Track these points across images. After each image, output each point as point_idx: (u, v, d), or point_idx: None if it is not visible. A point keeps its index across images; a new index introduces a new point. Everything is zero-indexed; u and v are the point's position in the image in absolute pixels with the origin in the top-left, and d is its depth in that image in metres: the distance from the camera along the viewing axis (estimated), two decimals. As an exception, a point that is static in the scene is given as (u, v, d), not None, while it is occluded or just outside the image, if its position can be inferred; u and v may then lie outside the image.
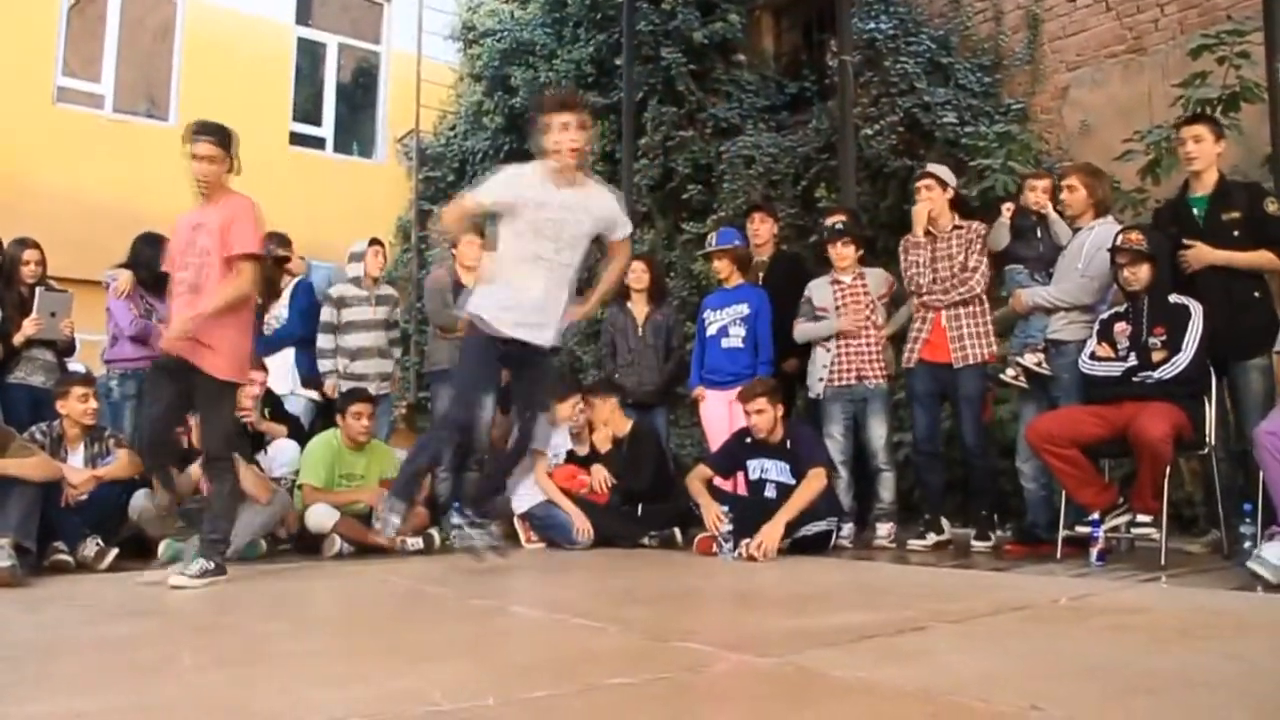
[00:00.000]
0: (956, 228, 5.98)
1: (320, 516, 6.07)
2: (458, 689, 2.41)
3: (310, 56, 13.54)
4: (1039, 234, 5.82)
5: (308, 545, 6.14)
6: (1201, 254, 5.09)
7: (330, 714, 2.23)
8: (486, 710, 2.23)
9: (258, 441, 6.51)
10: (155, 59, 12.30)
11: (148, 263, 6.82)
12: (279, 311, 7.34)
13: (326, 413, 7.18)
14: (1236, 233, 5.06)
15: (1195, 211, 5.23)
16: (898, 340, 6.27)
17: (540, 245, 4.84)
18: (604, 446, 6.79)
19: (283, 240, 7.71)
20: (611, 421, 6.76)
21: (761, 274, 6.88)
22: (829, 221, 6.66)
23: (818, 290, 6.39)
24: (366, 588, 4.90)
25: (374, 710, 2.25)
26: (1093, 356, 5.15)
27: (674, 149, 10.11)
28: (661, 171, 10.23)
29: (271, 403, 6.92)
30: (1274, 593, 3.86)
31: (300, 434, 6.88)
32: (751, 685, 2.57)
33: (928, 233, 6.02)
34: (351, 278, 7.42)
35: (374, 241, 7.51)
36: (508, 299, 4.81)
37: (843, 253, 6.30)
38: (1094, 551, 4.88)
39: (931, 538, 5.86)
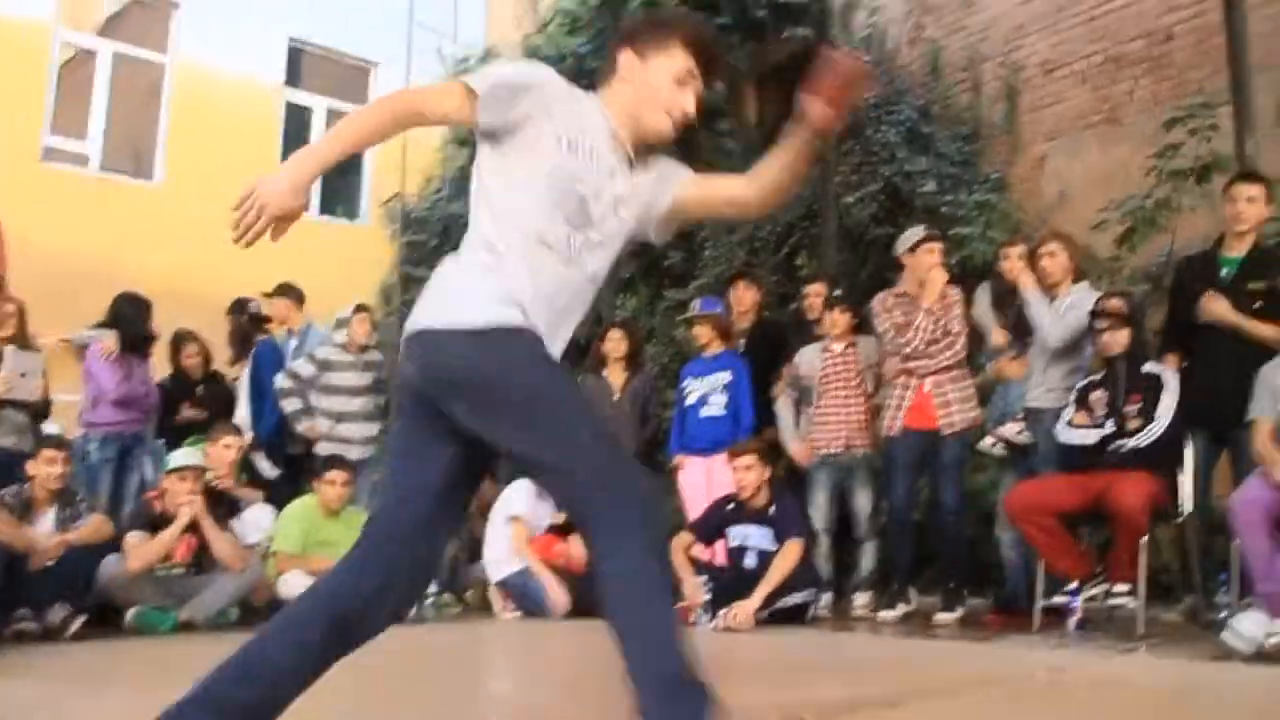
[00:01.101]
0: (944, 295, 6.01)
1: (294, 585, 5.97)
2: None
3: (298, 119, 13.60)
4: (1014, 303, 5.85)
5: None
6: (1218, 309, 5.05)
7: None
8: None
9: (232, 507, 6.44)
10: (142, 119, 12.35)
11: (130, 323, 6.80)
12: (243, 372, 7.30)
13: (292, 475, 7.14)
14: (1259, 303, 5.02)
15: (1224, 271, 5.19)
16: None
17: (555, 223, 2.32)
18: None
19: (286, 289, 7.69)
20: None
21: (743, 341, 6.89)
22: (809, 290, 6.70)
23: (806, 357, 6.39)
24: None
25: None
26: (1070, 424, 5.16)
27: (657, 215, 10.15)
28: (644, 238, 10.26)
29: (247, 467, 6.86)
30: (1251, 664, 3.84)
31: (277, 499, 6.82)
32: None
33: (903, 294, 6.05)
34: (338, 343, 7.38)
35: (360, 308, 7.46)
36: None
37: (837, 319, 6.31)
38: (1072, 621, 4.87)
39: (900, 608, 5.82)
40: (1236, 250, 5.20)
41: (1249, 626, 3.97)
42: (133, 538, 5.74)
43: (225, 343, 7.68)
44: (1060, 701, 3.29)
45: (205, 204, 11.65)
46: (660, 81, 2.51)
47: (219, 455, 6.44)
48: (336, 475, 6.37)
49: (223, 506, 6.21)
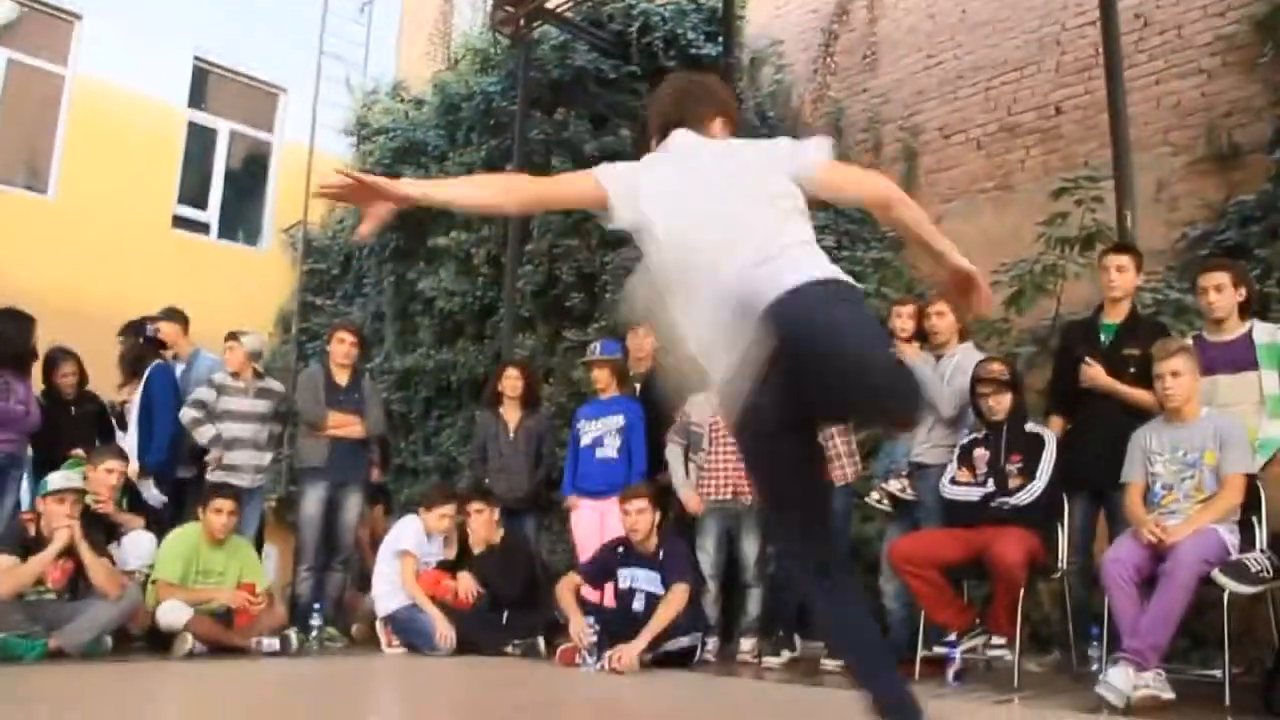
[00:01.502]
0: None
1: (172, 613, 5.83)
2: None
3: (200, 141, 13.39)
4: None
5: (158, 643, 5.89)
6: (1097, 376, 5.26)
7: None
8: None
9: (111, 532, 6.28)
10: (38, 131, 12.05)
11: (9, 341, 6.60)
12: (134, 395, 7.12)
13: (178, 503, 7.00)
14: (1134, 369, 5.22)
15: (1103, 337, 5.42)
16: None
17: None
18: (476, 549, 6.69)
19: (173, 314, 7.54)
20: (487, 529, 6.68)
21: (638, 386, 6.95)
22: None
23: (697, 405, 6.46)
24: (218, 691, 4.74)
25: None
26: (953, 481, 5.32)
27: (559, 256, 10.20)
28: (545, 278, 10.29)
29: (129, 493, 6.69)
30: (1120, 716, 3.99)
31: (158, 526, 6.65)
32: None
33: None
34: (231, 370, 7.24)
35: (230, 335, 7.32)
36: None
37: (723, 372, 6.38)
38: (951, 671, 4.96)
39: (785, 654, 5.88)
40: (1113, 317, 5.45)
41: (1120, 679, 4.12)
42: (3, 561, 5.56)
43: (115, 364, 7.46)
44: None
45: (101, 221, 11.50)
46: None
47: (100, 479, 6.28)
48: (223, 504, 6.25)
49: (101, 532, 6.06)
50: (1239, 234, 6.87)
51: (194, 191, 13.21)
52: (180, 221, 12.92)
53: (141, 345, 7.28)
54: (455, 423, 11.06)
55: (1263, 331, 4.99)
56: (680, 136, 2.90)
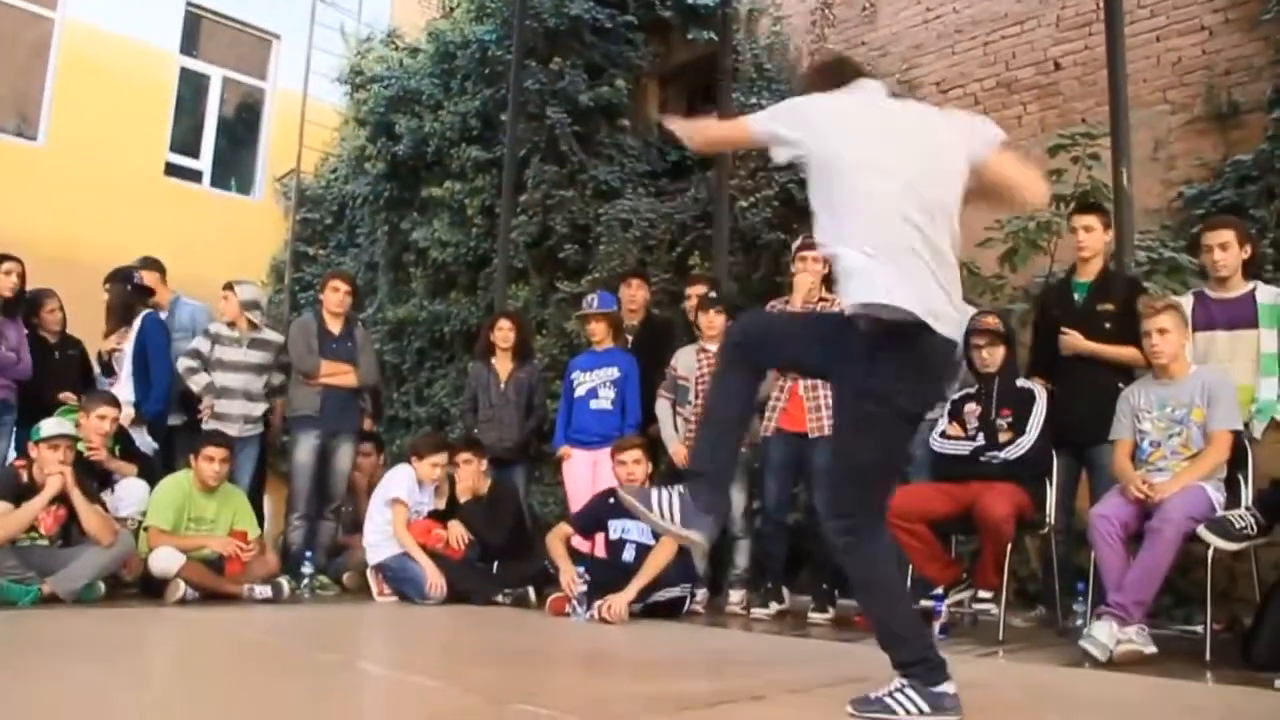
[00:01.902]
0: (823, 300, 6.12)
1: (164, 560, 5.85)
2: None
3: (193, 87, 13.30)
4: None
5: (151, 590, 5.92)
6: (1075, 343, 5.31)
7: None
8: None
9: (104, 479, 6.29)
10: (28, 76, 11.94)
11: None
12: (125, 345, 7.10)
13: (167, 450, 7.02)
14: (1109, 324, 5.29)
15: (1076, 296, 5.48)
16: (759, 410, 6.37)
17: None
18: (463, 499, 6.72)
19: (152, 263, 7.51)
20: (475, 480, 6.70)
21: (631, 338, 6.96)
22: (690, 291, 6.77)
23: (683, 359, 6.46)
24: (210, 637, 4.76)
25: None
26: (943, 435, 5.33)
27: (553, 208, 10.19)
28: (540, 229, 10.29)
29: (122, 440, 6.69)
30: (1102, 669, 4.03)
31: (151, 474, 6.66)
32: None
33: (789, 301, 6.16)
34: (228, 320, 7.23)
35: (226, 285, 7.29)
36: None
37: (713, 321, 6.39)
38: (937, 625, 4.99)
39: (773, 606, 5.92)
40: (1086, 276, 5.51)
41: (1103, 634, 4.17)
42: (-4, 506, 5.57)
43: (103, 312, 7.42)
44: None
45: (92, 169, 11.44)
46: None
47: (92, 426, 6.28)
48: (215, 452, 6.25)
49: (94, 479, 6.07)
50: (1235, 193, 6.86)
51: (186, 139, 13.15)
52: (172, 169, 12.87)
53: (130, 293, 7.25)
54: (448, 374, 11.08)
55: (1266, 293, 5.02)
56: (868, 82, 3.11)
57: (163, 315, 7.43)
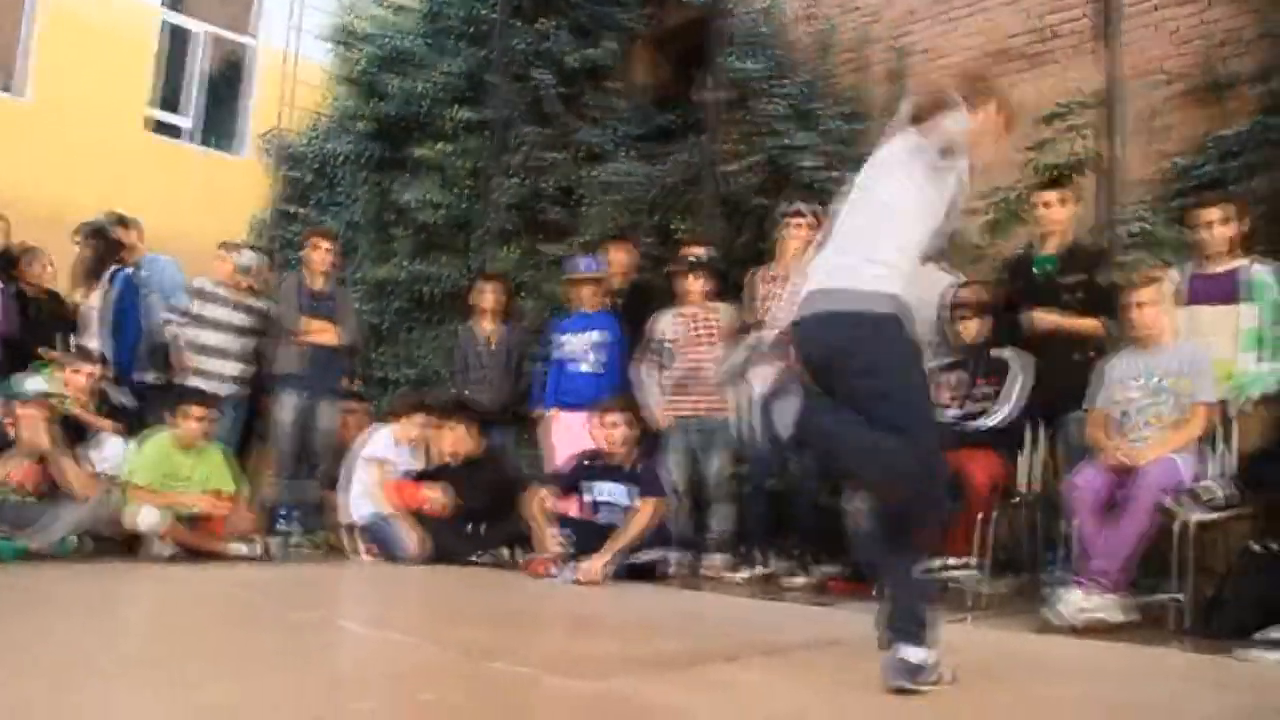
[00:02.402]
0: (812, 264, 6.11)
1: (145, 517, 5.86)
2: (261, 703, 2.38)
3: (177, 42, 13.15)
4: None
5: (130, 546, 5.92)
6: (1042, 319, 5.33)
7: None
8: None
9: (81, 434, 6.27)
10: (9, 30, 11.79)
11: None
12: (94, 299, 7.07)
13: (147, 407, 7.02)
14: (1074, 295, 5.32)
15: (1038, 270, 5.50)
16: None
17: None
18: (452, 462, 6.72)
19: (123, 221, 7.46)
20: (463, 442, 6.70)
21: (619, 300, 6.95)
22: (685, 252, 6.75)
23: (664, 322, 6.46)
24: (189, 593, 4.78)
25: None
26: (925, 403, 5.34)
27: (540, 170, 10.12)
28: (526, 191, 10.22)
29: (102, 397, 6.67)
30: (1070, 635, 4.07)
31: (130, 431, 6.65)
32: (561, 708, 2.60)
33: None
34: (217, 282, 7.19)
35: (222, 245, 7.26)
36: None
37: (692, 286, 6.38)
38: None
39: (752, 570, 5.94)
40: (1050, 249, 5.54)
41: (1068, 603, 4.22)
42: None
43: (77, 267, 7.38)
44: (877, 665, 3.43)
45: (75, 124, 11.31)
46: None
47: (73, 382, 6.26)
48: (196, 410, 6.24)
49: (74, 435, 6.06)
50: (1218, 168, 6.85)
51: (170, 96, 13.00)
52: (156, 125, 12.73)
53: (104, 249, 7.20)
54: (437, 335, 11.04)
55: (1255, 270, 5.03)
56: None
57: (130, 270, 7.39)
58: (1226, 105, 7.10)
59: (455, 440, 6.64)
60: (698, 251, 6.74)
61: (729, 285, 6.94)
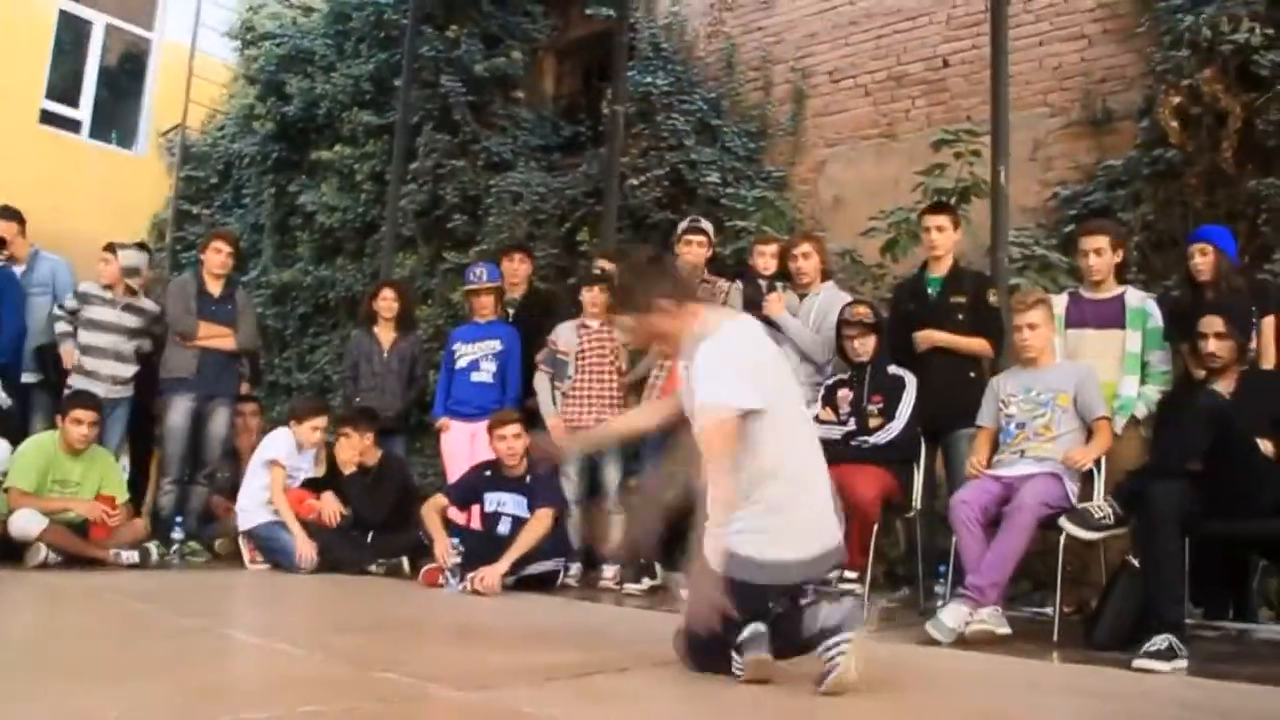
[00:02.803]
0: (704, 282, 6.20)
1: (25, 522, 5.69)
2: (137, 710, 2.35)
3: (73, 32, 12.80)
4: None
5: (10, 553, 5.75)
6: (930, 337, 5.50)
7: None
8: (161, 734, 2.18)
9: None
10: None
11: None
12: None
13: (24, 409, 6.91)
14: (961, 316, 5.50)
15: (930, 291, 5.67)
16: (639, 386, 6.42)
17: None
18: (347, 470, 6.66)
19: (9, 213, 7.24)
20: (365, 452, 6.65)
21: (512, 311, 6.97)
22: (597, 266, 6.80)
23: (564, 333, 6.49)
24: (68, 601, 4.67)
25: (40, 730, 2.17)
26: (816, 419, 5.45)
27: (444, 177, 10.10)
28: (429, 198, 10.19)
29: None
30: (955, 648, 4.19)
31: (8, 432, 6.47)
32: (447, 719, 2.60)
33: None
34: (105, 284, 7.03)
35: (108, 246, 7.10)
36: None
37: (597, 298, 6.42)
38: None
39: (646, 581, 5.98)
40: (938, 272, 5.70)
41: (950, 617, 4.33)
42: None
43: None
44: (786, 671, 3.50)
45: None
46: None
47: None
48: (83, 414, 6.08)
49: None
50: (1106, 196, 7.14)
51: (65, 87, 12.65)
52: (48, 117, 12.38)
53: None
54: (331, 340, 10.94)
55: (1135, 296, 5.29)
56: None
57: (19, 269, 7.20)
58: (1105, 139, 7.40)
59: (357, 448, 6.59)
60: (606, 265, 6.79)
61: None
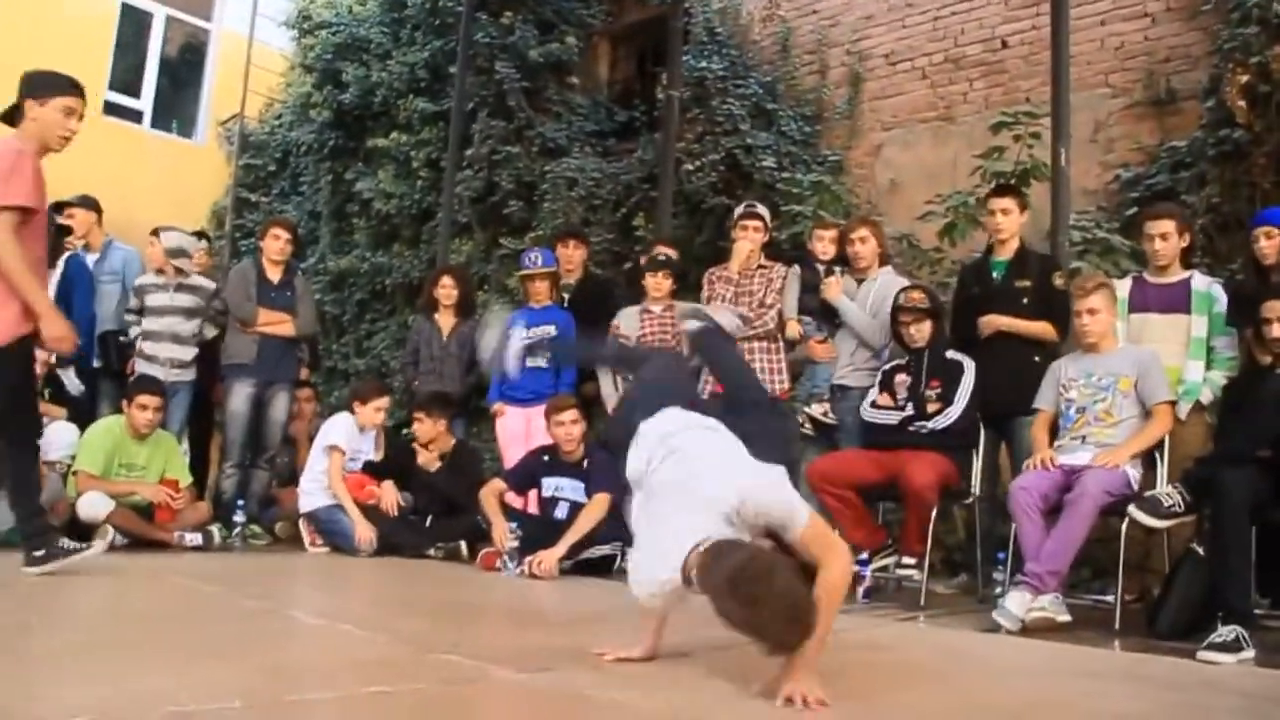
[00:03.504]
0: (761, 267, 6.18)
1: (93, 505, 5.82)
2: (208, 690, 2.39)
3: (135, 24, 12.99)
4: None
5: (79, 535, 5.85)
6: (992, 322, 5.44)
7: (68, 713, 2.17)
8: (231, 713, 2.22)
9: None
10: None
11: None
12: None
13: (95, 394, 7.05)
14: (1026, 300, 5.43)
15: (995, 275, 5.61)
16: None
17: None
18: (431, 465, 6.74)
19: (88, 203, 7.40)
20: (439, 438, 6.71)
21: (568, 296, 6.98)
22: (655, 252, 6.80)
23: (626, 318, 6.50)
24: (135, 582, 4.75)
25: (115, 710, 2.21)
26: (874, 405, 5.43)
27: (499, 163, 10.14)
28: (485, 185, 10.24)
29: (52, 383, 6.61)
30: (1015, 636, 4.16)
31: (79, 418, 6.59)
32: (503, 701, 2.63)
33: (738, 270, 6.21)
34: (155, 268, 7.15)
35: (153, 231, 7.22)
36: None
37: (660, 284, 6.42)
38: (860, 589, 5.09)
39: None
40: (1003, 255, 5.64)
41: (1014, 604, 4.29)
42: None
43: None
44: (833, 658, 3.48)
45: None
46: None
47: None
48: (148, 400, 6.19)
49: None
50: (1170, 178, 7.01)
51: (127, 78, 12.85)
52: (111, 108, 12.58)
53: (54, 234, 7.13)
54: (388, 326, 11.04)
55: (1200, 281, 5.20)
56: None
57: (93, 258, 7.34)
58: (1168, 120, 7.26)
59: (431, 434, 6.65)
60: (668, 251, 6.80)
61: (689, 284, 7.00)
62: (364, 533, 6.25)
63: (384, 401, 6.78)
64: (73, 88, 4.57)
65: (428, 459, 6.71)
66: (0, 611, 3.66)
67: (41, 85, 4.49)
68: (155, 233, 7.15)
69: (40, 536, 4.50)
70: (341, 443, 6.51)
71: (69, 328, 4.49)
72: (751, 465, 2.97)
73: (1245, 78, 6.65)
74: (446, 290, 7.21)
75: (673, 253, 6.87)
